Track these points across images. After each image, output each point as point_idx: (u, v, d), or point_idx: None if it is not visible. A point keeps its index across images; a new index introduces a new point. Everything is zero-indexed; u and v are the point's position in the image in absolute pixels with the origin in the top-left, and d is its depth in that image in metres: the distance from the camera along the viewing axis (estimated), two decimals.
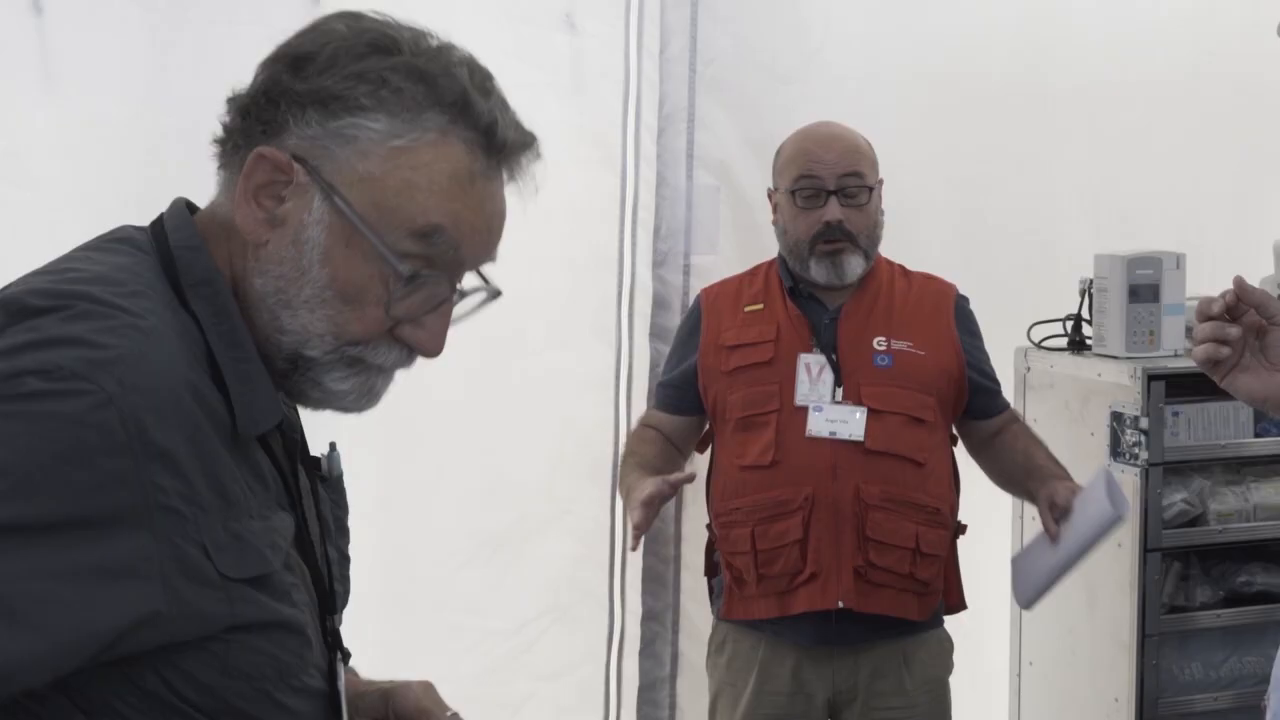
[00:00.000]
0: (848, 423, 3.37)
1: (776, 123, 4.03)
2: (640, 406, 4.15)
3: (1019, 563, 3.46)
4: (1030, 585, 3.38)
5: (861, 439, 3.36)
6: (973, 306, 3.61)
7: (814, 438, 3.37)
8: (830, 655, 3.43)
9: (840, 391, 3.40)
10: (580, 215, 4.03)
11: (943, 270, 3.66)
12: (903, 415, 3.40)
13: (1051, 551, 3.30)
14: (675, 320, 4.11)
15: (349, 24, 1.57)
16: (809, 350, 3.44)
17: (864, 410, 3.37)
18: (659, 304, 4.23)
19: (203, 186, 3.81)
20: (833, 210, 3.41)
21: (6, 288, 1.47)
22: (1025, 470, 3.50)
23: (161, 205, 3.76)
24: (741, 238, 4.23)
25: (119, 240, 1.58)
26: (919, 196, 3.83)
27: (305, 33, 1.58)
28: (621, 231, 4.18)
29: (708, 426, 3.60)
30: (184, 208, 1.62)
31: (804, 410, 3.39)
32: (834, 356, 3.42)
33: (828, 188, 3.42)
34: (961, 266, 3.78)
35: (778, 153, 3.57)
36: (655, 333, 4.20)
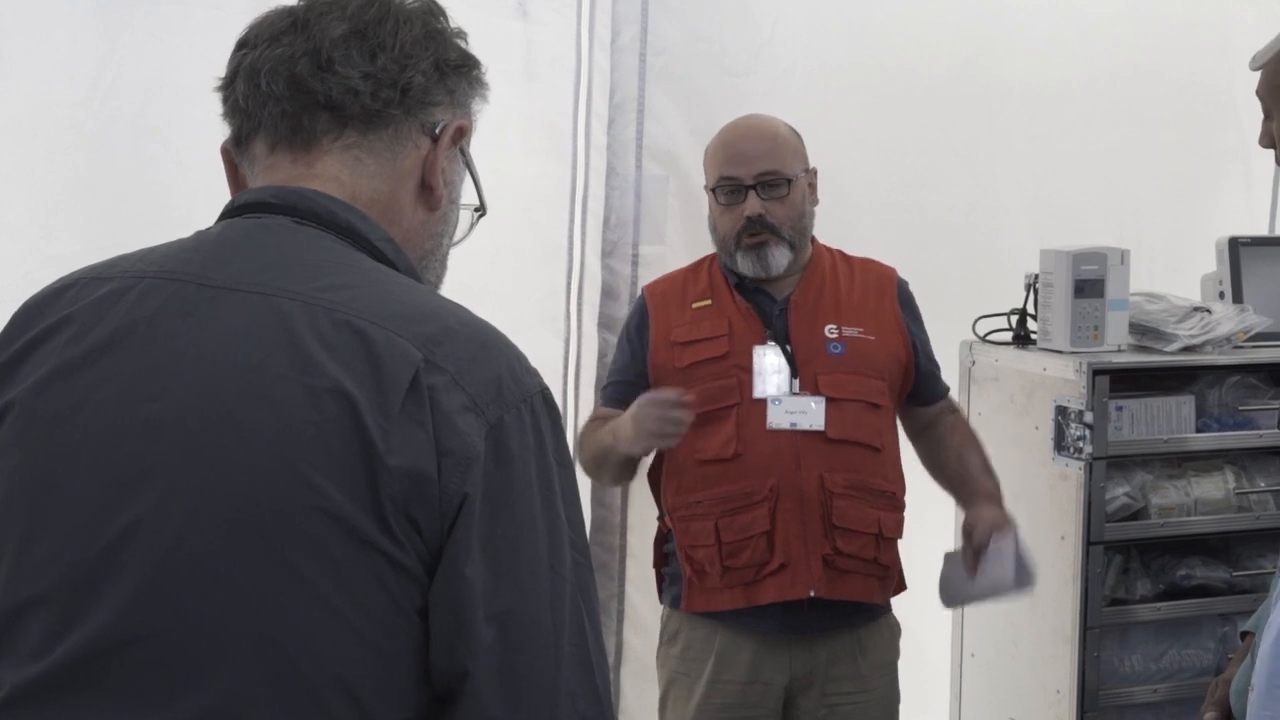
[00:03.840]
0: (807, 413, 3.38)
1: (725, 114, 4.03)
2: (588, 395, 4.16)
3: (948, 565, 3.50)
4: (950, 594, 3.51)
5: (822, 428, 3.38)
6: (916, 299, 3.65)
7: (774, 429, 3.39)
8: (788, 643, 3.44)
9: (797, 382, 3.41)
10: (530, 204, 4.03)
11: (886, 262, 3.68)
12: (860, 402, 3.43)
13: (967, 579, 3.41)
14: (623, 310, 4.11)
15: None
16: (762, 342, 3.45)
17: (822, 400, 3.39)
18: (607, 294, 4.23)
19: (151, 170, 3.81)
20: (752, 205, 3.43)
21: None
22: (957, 476, 3.58)
23: (109, 188, 3.74)
24: (689, 228, 4.23)
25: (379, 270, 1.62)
26: (864, 189, 3.85)
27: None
28: (571, 221, 4.18)
29: None
30: (338, 199, 1.63)
31: (762, 402, 3.40)
32: (788, 347, 3.44)
33: (746, 184, 3.44)
34: (904, 259, 3.80)
35: (705, 151, 3.59)
36: (603, 322, 4.20)
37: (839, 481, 3.38)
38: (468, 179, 1.76)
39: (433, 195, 1.68)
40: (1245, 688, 2.30)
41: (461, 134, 1.70)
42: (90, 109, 3.57)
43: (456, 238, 1.76)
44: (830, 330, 3.47)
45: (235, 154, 1.68)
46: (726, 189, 3.47)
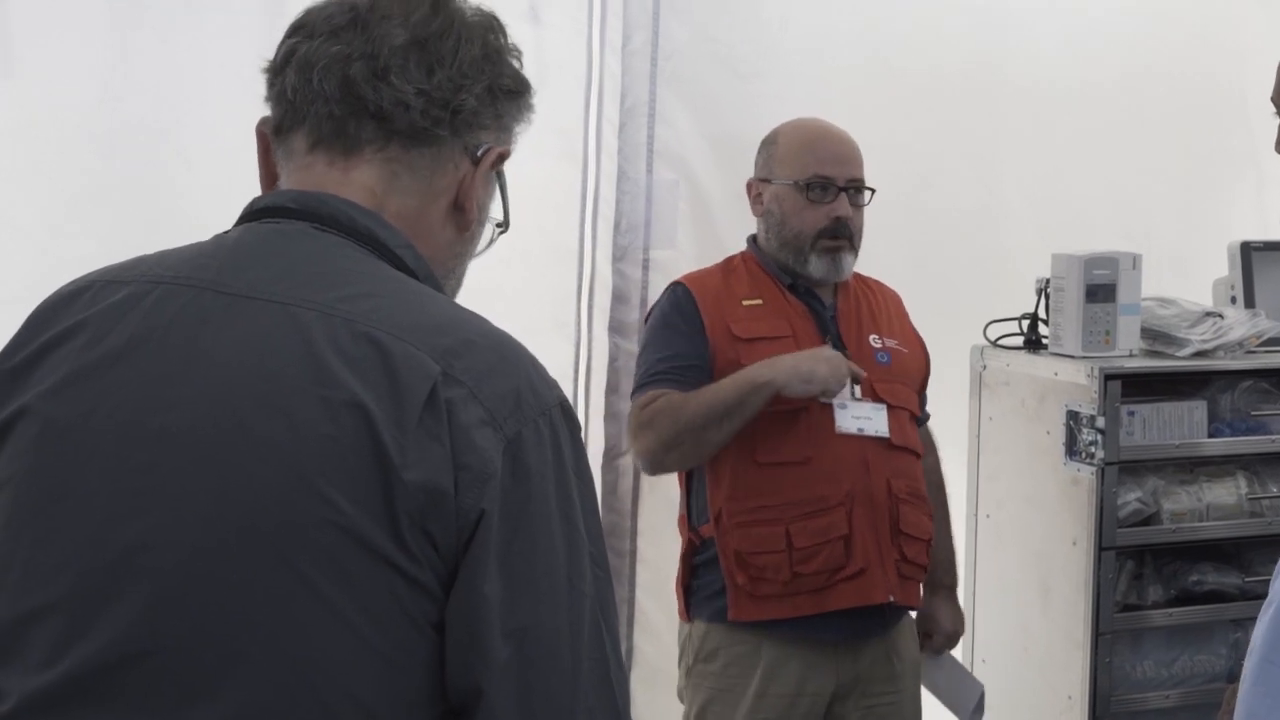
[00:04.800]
0: (872, 419, 3.40)
1: (735, 118, 4.04)
2: (599, 399, 4.15)
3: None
4: None
5: (886, 435, 3.40)
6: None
7: (843, 434, 3.38)
8: (836, 650, 3.43)
9: (858, 389, 3.42)
10: (541, 208, 4.03)
11: (896, 266, 3.70)
12: (907, 411, 3.48)
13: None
14: (634, 315, 4.10)
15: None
16: (821, 345, 3.43)
17: (883, 406, 3.42)
18: (618, 298, 4.22)
19: (161, 172, 3.81)
20: (844, 206, 3.46)
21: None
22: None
23: (119, 190, 3.74)
24: (699, 233, 4.24)
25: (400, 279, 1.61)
26: (875, 189, 3.82)
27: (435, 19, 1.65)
28: (582, 225, 4.17)
29: None
30: (358, 205, 1.62)
31: (828, 406, 3.38)
32: (845, 352, 3.44)
33: (839, 185, 3.47)
34: (913, 261, 3.80)
35: (771, 142, 3.58)
36: (614, 326, 4.20)
37: (903, 488, 3.41)
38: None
39: (464, 217, 1.67)
40: None
41: (501, 159, 1.69)
42: (101, 112, 3.57)
43: (478, 249, 1.75)
44: (874, 340, 3.50)
45: (273, 140, 1.66)
46: (819, 186, 3.47)
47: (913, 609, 3.53)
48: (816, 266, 3.47)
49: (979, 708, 3.68)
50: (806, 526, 3.34)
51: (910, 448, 3.46)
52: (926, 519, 3.46)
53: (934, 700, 3.74)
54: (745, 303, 3.49)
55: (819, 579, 3.35)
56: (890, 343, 3.52)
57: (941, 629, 3.68)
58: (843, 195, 3.46)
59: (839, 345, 3.44)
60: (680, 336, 3.45)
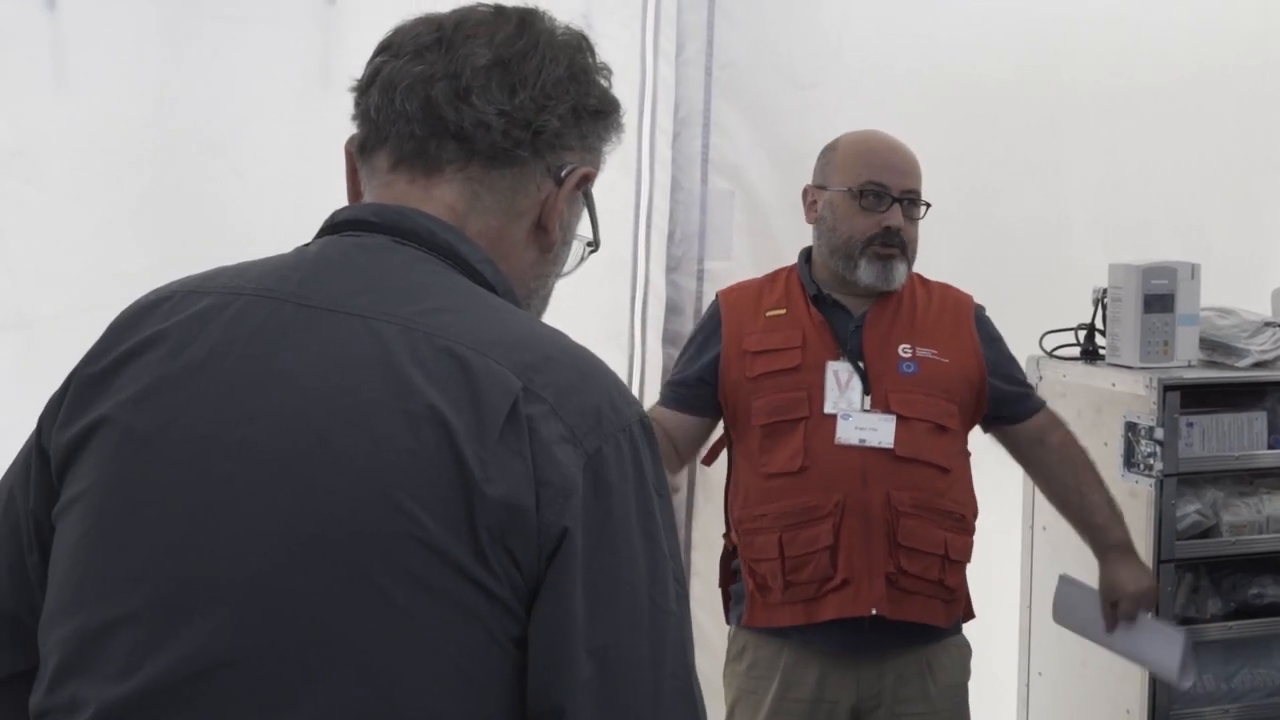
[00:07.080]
0: (877, 430, 3.36)
1: (792, 127, 4.01)
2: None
3: (1065, 588, 3.67)
4: (1068, 621, 3.70)
5: (891, 446, 3.35)
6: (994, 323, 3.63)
7: (843, 444, 3.36)
8: (855, 662, 3.41)
9: (869, 400, 3.39)
10: None
11: (954, 276, 3.65)
12: (929, 422, 3.40)
13: (1098, 626, 3.58)
14: (689, 326, 4.09)
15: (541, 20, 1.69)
16: (835, 358, 3.42)
17: (893, 418, 3.37)
18: (672, 309, 4.21)
19: (213, 185, 3.82)
20: (895, 216, 3.43)
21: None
22: (1084, 520, 3.60)
23: (171, 203, 3.76)
24: (755, 243, 4.22)
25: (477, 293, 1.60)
26: (931, 200, 3.80)
27: (519, 38, 1.64)
28: (635, 236, 4.16)
29: (719, 436, 3.58)
30: (438, 220, 1.61)
31: (832, 417, 3.37)
32: (860, 364, 3.41)
33: (893, 195, 3.44)
34: (971, 271, 3.77)
35: (831, 149, 3.56)
36: (668, 338, 4.18)
37: (906, 500, 3.34)
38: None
39: (547, 237, 1.66)
40: None
41: (586, 180, 1.68)
42: (153, 126, 3.58)
43: (566, 269, 1.74)
44: (904, 350, 3.44)
45: (358, 159, 1.66)
46: (873, 193, 3.45)
47: (941, 627, 3.43)
48: (867, 272, 3.44)
49: (1185, 662, 3.51)
50: (797, 536, 3.35)
51: (927, 460, 3.39)
52: (940, 532, 3.36)
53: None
54: (769, 313, 3.50)
55: (809, 589, 3.35)
56: (925, 352, 3.45)
57: (1123, 591, 3.52)
58: (896, 205, 3.43)
59: (855, 357, 3.42)
60: (695, 349, 3.58)
